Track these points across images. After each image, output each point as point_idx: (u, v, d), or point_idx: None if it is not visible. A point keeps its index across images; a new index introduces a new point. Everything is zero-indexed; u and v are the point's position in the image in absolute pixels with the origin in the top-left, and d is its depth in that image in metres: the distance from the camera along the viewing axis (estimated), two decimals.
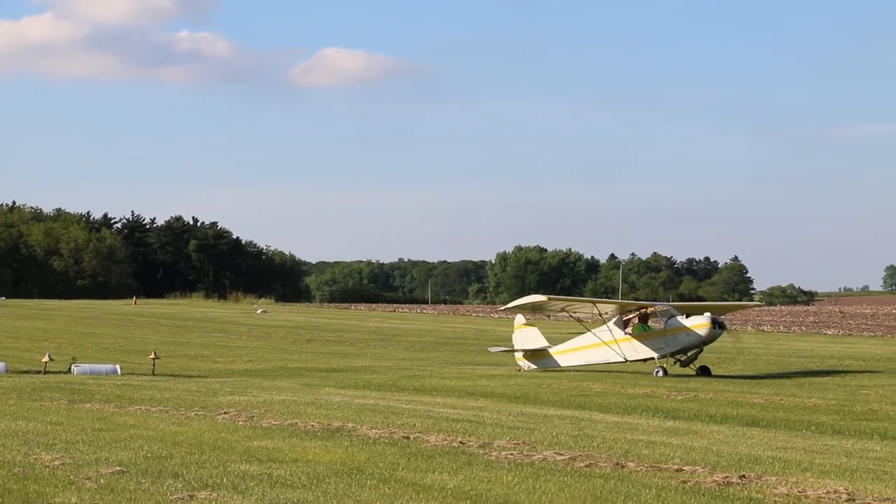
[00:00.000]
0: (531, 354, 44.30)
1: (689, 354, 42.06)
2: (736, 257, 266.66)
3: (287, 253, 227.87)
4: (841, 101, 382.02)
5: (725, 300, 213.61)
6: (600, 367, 42.73)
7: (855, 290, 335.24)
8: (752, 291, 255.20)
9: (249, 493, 15.22)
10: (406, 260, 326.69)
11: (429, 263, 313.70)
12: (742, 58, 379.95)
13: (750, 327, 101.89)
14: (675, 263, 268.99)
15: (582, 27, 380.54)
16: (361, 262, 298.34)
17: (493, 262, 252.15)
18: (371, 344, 61.33)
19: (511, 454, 19.03)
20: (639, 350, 42.00)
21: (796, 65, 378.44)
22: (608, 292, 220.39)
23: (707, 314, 42.13)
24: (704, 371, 41.47)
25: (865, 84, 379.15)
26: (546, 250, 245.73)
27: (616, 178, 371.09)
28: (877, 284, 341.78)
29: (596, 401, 29.96)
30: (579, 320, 44.77)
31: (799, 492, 15.96)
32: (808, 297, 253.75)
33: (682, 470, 17.64)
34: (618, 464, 18.11)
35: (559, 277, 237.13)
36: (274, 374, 38.03)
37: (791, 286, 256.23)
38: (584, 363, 43.12)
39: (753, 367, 45.37)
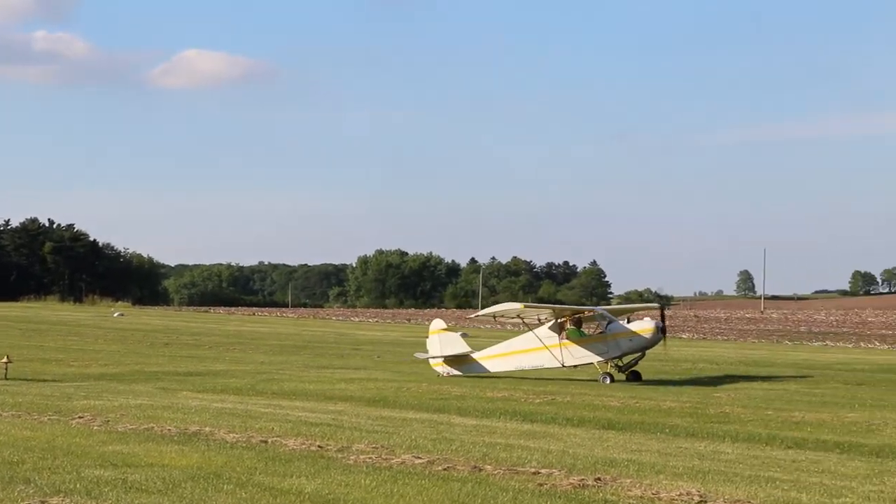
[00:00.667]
0: (454, 360, 42.66)
1: (629, 359, 41.64)
2: (594, 262, 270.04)
3: (145, 255, 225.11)
4: (696, 108, 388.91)
5: (583, 304, 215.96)
6: (534, 373, 41.94)
7: (709, 294, 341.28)
8: (610, 296, 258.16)
9: (103, 498, 15.01)
10: (266, 263, 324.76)
11: (289, 267, 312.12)
12: (597, 64, 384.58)
13: None
14: (534, 267, 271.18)
15: (439, 32, 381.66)
16: (221, 264, 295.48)
17: (354, 265, 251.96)
18: (230, 348, 60.79)
19: (369, 458, 19.03)
20: (577, 355, 41.27)
21: (651, 71, 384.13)
22: (468, 296, 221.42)
23: (649, 318, 42.17)
24: (636, 376, 41.11)
25: (720, 91, 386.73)
26: (407, 254, 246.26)
27: (476, 183, 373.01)
28: (730, 289, 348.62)
29: (455, 404, 30.07)
30: (528, 326, 43.96)
31: (653, 494, 16.21)
32: (665, 302, 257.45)
33: (539, 473, 17.79)
34: (475, 467, 18.21)
35: (420, 281, 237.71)
36: (130, 378, 37.48)
37: (648, 290, 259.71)
38: (515, 368, 42.05)
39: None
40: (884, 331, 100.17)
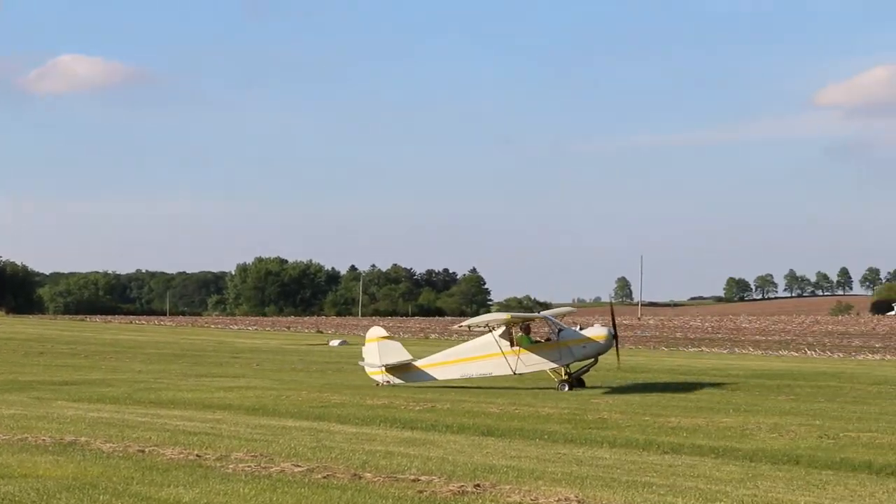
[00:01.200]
0: (395, 369, 41.43)
1: (579, 367, 41.52)
2: (474, 269, 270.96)
3: (19, 263, 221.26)
4: (576, 116, 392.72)
5: (464, 312, 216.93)
6: (483, 381, 41.47)
7: (588, 301, 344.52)
8: (490, 302, 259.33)
9: None
10: (144, 271, 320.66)
11: (167, 275, 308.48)
12: (480, 70, 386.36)
13: None
14: (414, 275, 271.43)
15: (316, 34, 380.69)
16: (97, 272, 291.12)
17: (233, 273, 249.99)
18: (107, 356, 60.01)
19: (248, 466, 18.92)
20: (529, 362, 40.90)
21: (532, 79, 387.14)
22: (348, 303, 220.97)
23: (600, 325, 42.17)
24: (580, 383, 41.08)
25: (598, 100, 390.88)
26: (287, 261, 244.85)
27: (356, 190, 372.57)
28: (608, 296, 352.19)
29: (335, 412, 29.99)
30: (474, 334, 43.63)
31: (532, 500, 16.31)
32: (543, 308, 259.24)
33: (419, 480, 17.82)
34: (355, 475, 18.18)
35: (300, 289, 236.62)
36: (4, 388, 36.83)
37: (527, 297, 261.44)
38: (462, 376, 41.34)
39: (489, 378, 46.00)
40: (757, 336, 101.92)
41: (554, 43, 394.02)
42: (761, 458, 21.61)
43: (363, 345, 43.14)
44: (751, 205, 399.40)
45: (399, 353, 42.04)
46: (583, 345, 41.13)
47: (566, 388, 39.69)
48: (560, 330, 41.73)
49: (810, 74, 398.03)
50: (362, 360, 42.66)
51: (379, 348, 41.84)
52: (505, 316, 43.13)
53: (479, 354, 41.49)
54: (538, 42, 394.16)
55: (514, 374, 41.08)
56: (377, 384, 40.87)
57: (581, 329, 42.48)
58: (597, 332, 41.81)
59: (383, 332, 43.02)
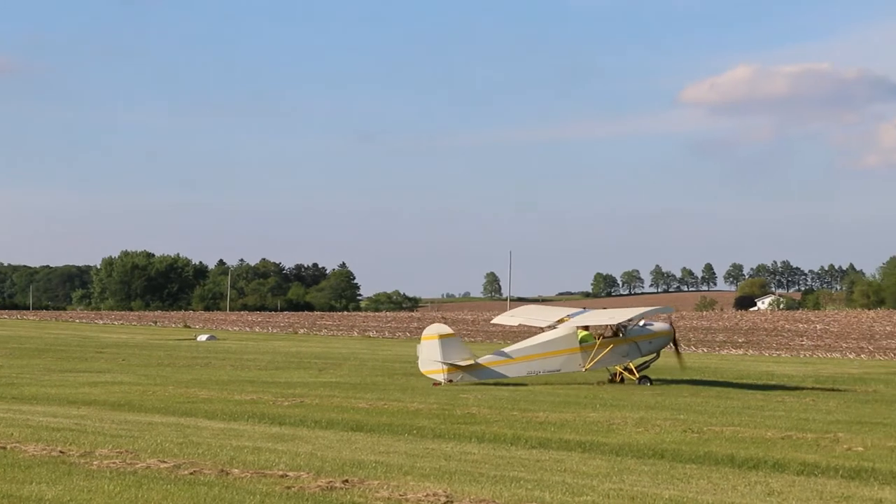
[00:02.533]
0: (461, 367, 39.90)
1: (640, 362, 42.04)
2: (344, 263, 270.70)
3: None
4: (443, 111, 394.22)
5: (334, 307, 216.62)
6: (554, 378, 41.08)
7: (457, 296, 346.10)
8: (360, 297, 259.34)
9: None
10: (6, 264, 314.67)
11: (30, 268, 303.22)
12: (347, 64, 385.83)
13: (356, 333, 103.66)
14: (283, 269, 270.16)
15: (187, 27, 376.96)
16: None
17: (99, 267, 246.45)
18: None
19: (113, 463, 18.68)
20: (596, 358, 41.34)
21: (399, 74, 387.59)
22: (216, 298, 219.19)
23: (661, 322, 43.15)
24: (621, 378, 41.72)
25: (467, 95, 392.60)
26: (154, 255, 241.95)
27: (224, 184, 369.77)
28: (477, 291, 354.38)
29: (202, 407, 29.72)
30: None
31: (400, 495, 16.33)
32: (413, 304, 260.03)
33: (287, 476, 17.74)
34: (223, 471, 18.05)
35: (167, 283, 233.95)
36: None
37: (396, 292, 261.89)
38: (528, 373, 40.73)
39: (359, 373, 46.05)
40: None
41: (420, 38, 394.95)
42: (627, 452, 21.85)
43: (419, 342, 41.43)
44: (618, 201, 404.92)
45: (463, 351, 40.92)
46: (649, 340, 42.18)
47: (648, 384, 40.47)
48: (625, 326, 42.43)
49: (675, 72, 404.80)
50: (418, 358, 40.89)
51: (441, 345, 40.17)
52: (615, 321, 42.72)
53: (549, 351, 41.39)
54: (406, 36, 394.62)
55: (584, 370, 41.40)
56: (436, 384, 39.44)
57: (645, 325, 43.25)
58: (661, 327, 42.92)
59: (446, 329, 41.43)
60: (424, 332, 41.43)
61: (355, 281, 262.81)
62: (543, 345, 41.61)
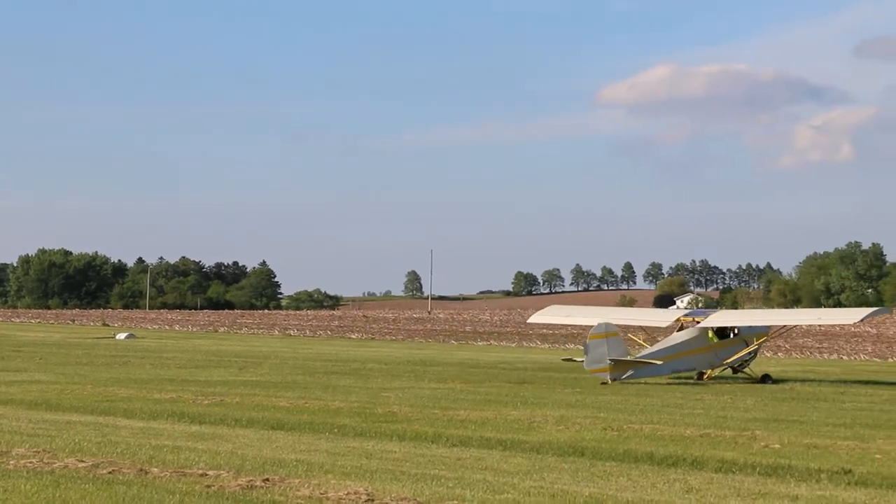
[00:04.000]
0: (623, 364, 40.24)
1: (745, 361, 44.65)
2: (264, 262, 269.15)
3: None
4: (371, 111, 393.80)
5: (254, 305, 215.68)
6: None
7: (378, 294, 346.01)
8: (280, 296, 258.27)
9: None
10: None
11: None
12: (276, 64, 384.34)
13: (277, 332, 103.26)
14: (203, 268, 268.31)
15: (101, 23, 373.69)
16: None
17: (15, 264, 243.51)
18: None
19: (30, 462, 18.49)
20: (723, 357, 43.84)
21: (332, 74, 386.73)
22: (135, 296, 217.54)
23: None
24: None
25: (389, 95, 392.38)
26: (71, 253, 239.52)
27: (143, 181, 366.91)
28: (398, 289, 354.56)
29: (121, 406, 29.47)
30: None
31: (321, 493, 16.30)
32: (334, 302, 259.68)
33: (207, 475, 17.65)
34: (142, 470, 17.92)
35: (85, 281, 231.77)
36: None
37: (317, 291, 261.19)
38: (672, 371, 42.31)
39: (279, 371, 45.88)
40: (544, 330, 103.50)
41: (339, 38, 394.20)
42: (548, 450, 21.95)
43: (586, 341, 41.16)
44: (538, 201, 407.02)
45: (623, 349, 41.13)
46: (756, 338, 44.35)
47: (770, 382, 42.40)
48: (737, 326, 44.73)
49: (594, 73, 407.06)
50: (583, 358, 40.90)
51: (608, 344, 40.19)
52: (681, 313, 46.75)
53: (693, 349, 43.05)
54: (326, 37, 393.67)
55: (714, 368, 43.76)
56: (605, 383, 39.75)
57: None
58: (760, 328, 45.21)
59: (612, 329, 41.03)
60: (591, 331, 41.20)
61: (276, 279, 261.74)
62: (682, 344, 43.23)
